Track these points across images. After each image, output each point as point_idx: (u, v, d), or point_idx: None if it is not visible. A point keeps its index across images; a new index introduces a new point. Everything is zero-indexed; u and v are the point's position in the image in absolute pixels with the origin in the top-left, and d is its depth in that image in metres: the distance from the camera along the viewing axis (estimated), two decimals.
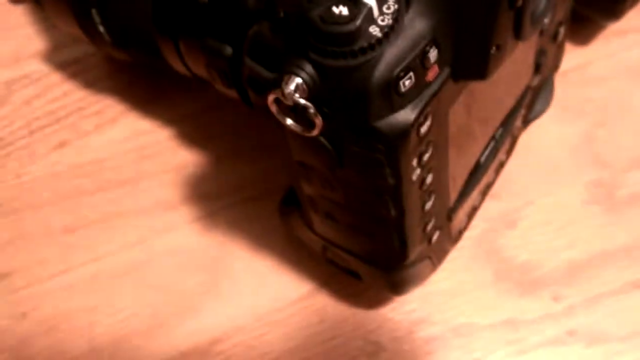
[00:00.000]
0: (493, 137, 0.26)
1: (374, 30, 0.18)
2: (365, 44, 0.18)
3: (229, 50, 0.24)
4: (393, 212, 0.21)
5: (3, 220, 0.31)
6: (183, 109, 0.33)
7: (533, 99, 0.29)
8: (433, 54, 0.19)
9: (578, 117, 0.33)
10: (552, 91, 0.31)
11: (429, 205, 0.22)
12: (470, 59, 0.20)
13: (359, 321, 0.28)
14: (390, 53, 0.18)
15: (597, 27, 0.35)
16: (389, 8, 0.18)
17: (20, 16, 0.36)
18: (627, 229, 0.30)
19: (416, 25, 0.18)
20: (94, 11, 0.28)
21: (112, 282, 0.29)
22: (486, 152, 0.25)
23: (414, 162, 0.20)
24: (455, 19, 0.19)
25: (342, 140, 0.19)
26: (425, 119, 0.19)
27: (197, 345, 0.28)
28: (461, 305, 0.29)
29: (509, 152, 0.29)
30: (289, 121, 0.19)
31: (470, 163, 0.25)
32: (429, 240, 0.24)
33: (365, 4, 0.18)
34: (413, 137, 0.19)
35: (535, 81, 0.28)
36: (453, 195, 0.24)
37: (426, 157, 0.20)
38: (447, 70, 0.19)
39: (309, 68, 0.18)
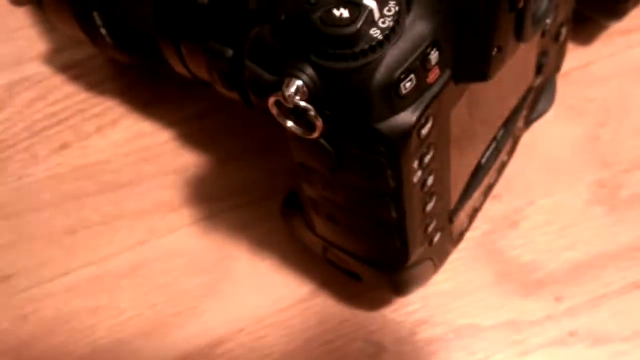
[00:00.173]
0: (495, 138, 0.26)
1: (375, 32, 0.18)
2: (366, 47, 0.18)
3: (230, 52, 0.24)
4: (394, 214, 0.21)
5: (5, 222, 0.31)
6: (184, 111, 0.33)
7: (535, 100, 0.29)
8: (434, 56, 0.19)
9: (581, 118, 0.33)
10: (554, 91, 0.31)
11: (430, 207, 0.22)
12: (471, 61, 0.19)
13: (360, 322, 0.28)
14: (392, 55, 0.18)
15: (600, 28, 0.35)
16: (390, 10, 0.18)
17: (22, 19, 0.36)
18: (629, 229, 0.30)
19: (417, 27, 0.18)
20: (95, 14, 0.28)
21: (113, 284, 0.29)
22: (488, 154, 0.25)
23: (415, 164, 0.20)
24: (456, 21, 0.19)
25: (343, 143, 0.19)
26: (427, 121, 0.19)
27: (198, 347, 0.28)
28: (463, 307, 0.29)
29: (510, 153, 0.29)
30: (289, 124, 0.19)
31: (471, 164, 0.25)
32: (431, 241, 0.24)
33: (366, 7, 0.18)
34: (414, 139, 0.19)
35: (538, 82, 0.28)
36: (454, 197, 0.24)
37: (427, 159, 0.20)
38: (448, 73, 0.19)
39: (309, 71, 0.18)
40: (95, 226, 0.31)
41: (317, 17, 0.18)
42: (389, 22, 0.18)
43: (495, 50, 0.19)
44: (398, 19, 0.18)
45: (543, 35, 0.26)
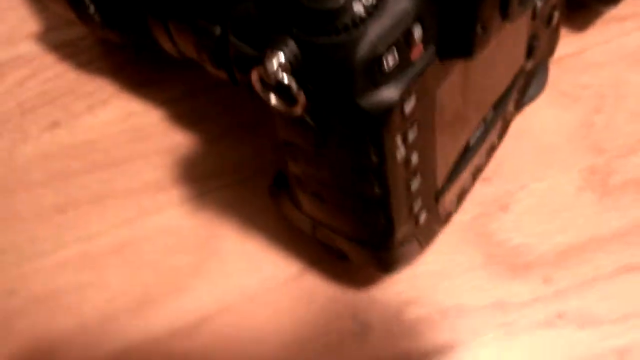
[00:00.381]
0: (484, 120, 0.26)
1: (358, 7, 0.18)
2: (349, 21, 0.18)
3: (218, 30, 0.24)
4: (377, 192, 0.21)
5: None
6: (175, 91, 0.33)
7: (526, 84, 0.29)
8: (417, 33, 0.19)
9: (574, 103, 0.33)
10: (546, 76, 0.31)
11: (414, 185, 0.22)
12: (455, 38, 0.19)
13: (348, 301, 0.28)
14: (374, 31, 0.18)
15: (595, 13, 0.34)
16: None
17: None
18: (620, 214, 0.30)
19: (400, 3, 0.18)
20: None
21: (102, 261, 0.30)
22: (476, 135, 0.25)
23: (398, 141, 0.20)
24: None
25: (325, 118, 0.19)
26: (410, 97, 0.19)
27: (185, 324, 0.28)
28: (451, 287, 0.29)
29: (501, 136, 0.28)
30: (272, 99, 0.19)
31: (459, 145, 0.25)
32: (416, 221, 0.24)
33: None
34: (397, 116, 0.19)
35: (529, 65, 0.28)
36: (441, 177, 0.24)
37: (411, 136, 0.20)
38: (432, 49, 0.19)
39: (292, 45, 0.18)
40: (85, 204, 0.31)
41: None
42: None
43: (479, 27, 0.19)
44: None
45: (534, 17, 0.26)
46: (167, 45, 0.27)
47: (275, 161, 0.25)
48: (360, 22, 0.18)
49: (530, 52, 0.27)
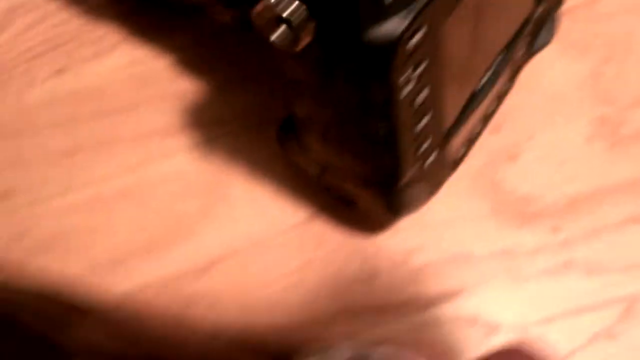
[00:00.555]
0: (493, 63, 0.25)
1: None
2: None
3: None
4: (384, 131, 0.21)
5: (3, 143, 0.31)
6: (182, 37, 0.33)
7: (536, 31, 0.29)
8: None
9: (585, 53, 0.32)
10: (555, 24, 0.30)
11: (422, 124, 0.21)
12: None
13: (355, 248, 0.29)
14: None
15: None
16: None
17: None
18: (629, 165, 0.30)
19: None
20: None
21: (110, 205, 0.30)
22: (486, 77, 0.25)
23: (405, 76, 0.19)
24: None
25: (330, 54, 0.19)
26: (418, 30, 0.19)
27: (193, 267, 0.28)
28: (458, 235, 0.29)
29: (510, 82, 0.28)
30: (277, 35, 0.19)
31: (468, 86, 0.24)
32: (424, 163, 0.23)
33: None
34: (403, 49, 0.19)
35: (538, 11, 0.27)
36: (449, 118, 0.24)
37: (418, 71, 0.20)
38: None
39: None
40: (93, 149, 0.31)
41: None
42: None
43: None
44: None
45: None
46: None
47: (282, 107, 0.25)
48: None
49: None
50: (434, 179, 0.25)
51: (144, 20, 0.33)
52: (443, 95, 0.22)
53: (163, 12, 0.33)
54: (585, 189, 0.29)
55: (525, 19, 0.26)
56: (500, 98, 0.28)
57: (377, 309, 0.27)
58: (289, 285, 0.28)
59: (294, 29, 0.18)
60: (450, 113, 0.23)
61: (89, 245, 0.29)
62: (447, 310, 0.27)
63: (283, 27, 0.18)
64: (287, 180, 0.30)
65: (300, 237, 0.29)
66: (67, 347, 0.27)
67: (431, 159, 0.23)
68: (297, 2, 0.18)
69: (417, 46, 0.19)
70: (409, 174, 0.23)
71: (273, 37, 0.19)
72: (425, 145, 0.23)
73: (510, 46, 0.26)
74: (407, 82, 0.20)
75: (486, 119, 0.27)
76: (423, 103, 0.21)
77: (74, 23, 0.34)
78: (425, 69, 0.20)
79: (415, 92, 0.20)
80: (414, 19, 0.18)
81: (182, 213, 0.29)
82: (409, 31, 0.19)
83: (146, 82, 0.32)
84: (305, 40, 0.19)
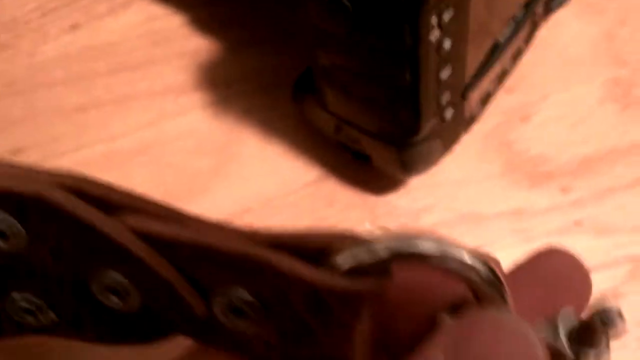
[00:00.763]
0: (513, 18, 0.25)
1: None
2: None
3: None
4: (408, 77, 0.21)
5: (16, 98, 0.31)
6: None
7: None
8: None
9: (600, 15, 0.32)
10: None
11: (445, 73, 0.22)
12: None
13: (366, 207, 0.29)
14: None
15: None
16: None
17: None
18: None
19: None
20: None
21: (124, 161, 0.30)
22: (505, 33, 0.25)
23: (433, 21, 0.19)
24: None
25: None
26: None
27: None
28: (469, 195, 0.29)
29: (527, 41, 0.28)
30: None
31: (489, 40, 0.24)
32: (442, 116, 0.24)
33: None
34: None
35: None
36: (469, 72, 0.24)
37: (446, 17, 0.20)
38: None
39: None
40: (106, 105, 0.31)
41: None
42: None
43: None
44: None
45: None
46: None
47: (296, 70, 0.25)
48: None
49: None
50: (450, 136, 0.26)
51: None
52: (464, 47, 0.22)
53: None
54: (597, 150, 0.30)
55: None
56: (516, 57, 0.28)
57: None
58: None
59: None
60: (470, 66, 0.24)
61: None
62: None
63: None
64: (298, 140, 0.30)
65: (311, 196, 0.29)
66: None
67: (449, 113, 0.24)
68: None
69: None
70: (428, 126, 0.23)
71: None
72: (445, 97, 0.23)
73: (529, 3, 0.26)
74: (436, 27, 0.20)
75: (502, 77, 0.27)
76: (448, 51, 0.21)
77: None
78: (451, 17, 0.20)
79: (442, 38, 0.20)
80: None
81: (195, 170, 0.30)
82: None
83: (161, 39, 0.32)
84: None
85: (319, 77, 0.24)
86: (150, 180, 0.29)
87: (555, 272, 0.17)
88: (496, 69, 0.26)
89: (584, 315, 0.15)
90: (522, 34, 0.26)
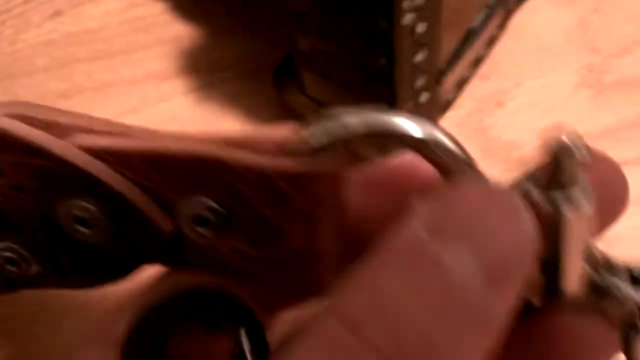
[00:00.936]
0: (487, 4, 0.26)
1: None
2: None
3: None
4: (383, 61, 0.21)
5: None
6: None
7: None
8: None
9: (573, 2, 0.33)
10: None
11: (419, 57, 0.22)
12: None
13: None
14: None
15: None
16: None
17: None
18: (613, 112, 0.31)
19: None
20: None
21: None
22: (479, 19, 0.26)
23: (407, 5, 0.20)
24: None
25: None
26: None
27: None
28: None
29: (501, 27, 0.29)
30: None
31: (462, 27, 0.25)
32: (417, 100, 0.24)
33: None
34: None
35: None
36: (443, 57, 0.24)
37: (420, 1, 0.20)
38: None
39: None
40: (89, 91, 0.31)
41: None
42: None
43: None
44: None
45: None
46: None
47: (277, 57, 0.25)
48: None
49: None
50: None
51: None
52: (438, 32, 0.23)
53: None
54: None
55: None
56: (490, 44, 0.28)
57: None
58: None
59: None
60: (446, 51, 0.24)
61: None
62: None
63: None
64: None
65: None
66: None
67: (424, 97, 0.24)
68: None
69: None
70: (404, 110, 0.24)
71: None
72: (420, 81, 0.23)
73: None
74: (408, 10, 0.20)
75: (476, 63, 0.28)
76: (421, 35, 0.22)
77: None
78: (425, 1, 0.20)
79: (415, 22, 0.21)
80: None
81: None
82: None
83: (142, 25, 0.32)
84: None
85: (299, 62, 0.24)
86: None
87: None
88: (470, 55, 0.26)
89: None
90: (496, 20, 0.27)
